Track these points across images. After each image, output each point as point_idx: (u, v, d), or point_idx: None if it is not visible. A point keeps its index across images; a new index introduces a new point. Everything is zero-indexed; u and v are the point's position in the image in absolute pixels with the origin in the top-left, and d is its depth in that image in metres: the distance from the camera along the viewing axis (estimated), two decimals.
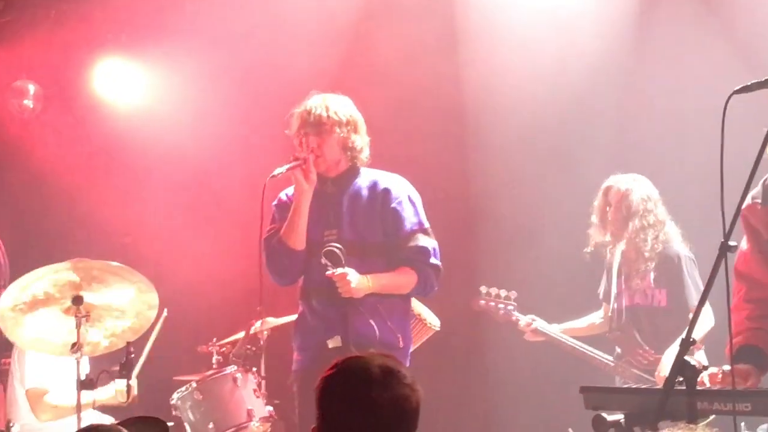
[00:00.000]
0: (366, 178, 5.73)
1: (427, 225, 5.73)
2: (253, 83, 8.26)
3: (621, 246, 6.89)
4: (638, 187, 6.82)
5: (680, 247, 6.80)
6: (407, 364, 5.47)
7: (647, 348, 6.72)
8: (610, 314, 6.97)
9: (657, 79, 7.54)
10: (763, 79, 3.97)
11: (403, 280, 5.61)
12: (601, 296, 7.18)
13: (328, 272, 5.48)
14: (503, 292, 7.05)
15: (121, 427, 3.62)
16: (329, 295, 5.57)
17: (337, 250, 5.51)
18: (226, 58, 8.22)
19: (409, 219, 5.67)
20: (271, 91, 8.17)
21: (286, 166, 5.54)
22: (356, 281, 5.46)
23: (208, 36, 8.11)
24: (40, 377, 6.56)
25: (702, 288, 6.45)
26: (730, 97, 3.82)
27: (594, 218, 6.96)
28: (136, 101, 8.68)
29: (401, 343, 5.63)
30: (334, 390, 3.12)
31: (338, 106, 5.67)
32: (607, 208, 6.86)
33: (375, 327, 5.53)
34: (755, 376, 4.44)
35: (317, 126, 5.60)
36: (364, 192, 5.68)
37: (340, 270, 5.46)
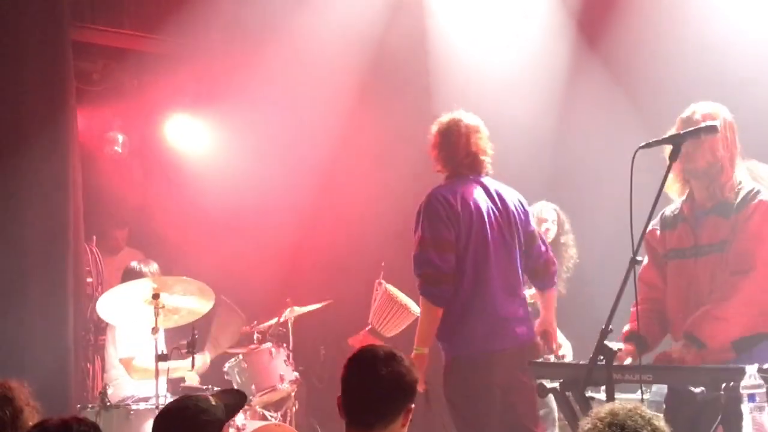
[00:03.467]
0: None
1: (424, 234, 4.87)
2: (281, 133, 8.25)
3: None
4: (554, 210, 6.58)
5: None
6: None
7: None
8: None
9: (580, 131, 7.40)
10: (659, 138, 3.99)
11: None
12: None
13: None
14: None
15: (209, 396, 3.59)
16: None
17: None
18: (263, 116, 8.19)
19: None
20: (293, 138, 8.19)
21: None
22: None
23: (250, 99, 8.09)
24: (128, 349, 6.49)
25: None
26: (636, 152, 3.80)
27: None
28: (197, 148, 8.65)
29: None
30: (352, 367, 3.14)
31: None
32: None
33: None
34: (634, 354, 4.39)
35: None
36: None
37: None
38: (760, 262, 4.20)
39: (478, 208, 4.92)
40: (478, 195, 4.99)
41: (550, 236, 6.47)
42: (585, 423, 2.61)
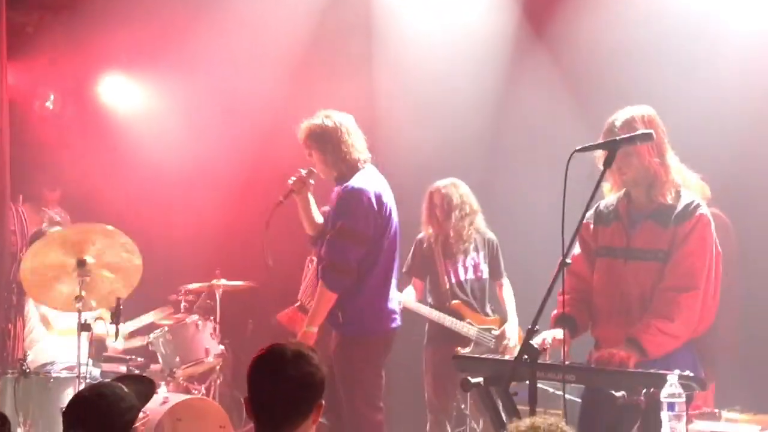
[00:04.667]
0: (351, 181, 5.30)
1: (344, 224, 5.21)
2: (220, 100, 8.15)
3: (440, 237, 6.49)
4: (456, 188, 6.46)
5: (491, 233, 6.56)
6: None
7: (481, 311, 6.48)
8: (447, 287, 6.42)
9: (520, 115, 7.34)
10: (595, 143, 4.01)
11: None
12: (408, 271, 6.61)
13: None
14: None
15: (119, 383, 3.57)
16: None
17: None
18: (203, 76, 8.10)
19: (337, 217, 5.28)
20: (232, 106, 8.09)
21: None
22: None
23: (190, 59, 7.98)
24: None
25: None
26: (572, 155, 3.78)
27: (423, 216, 6.53)
28: (131, 108, 8.51)
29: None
30: (258, 368, 3.09)
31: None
32: (435, 207, 6.46)
33: None
34: (567, 340, 4.33)
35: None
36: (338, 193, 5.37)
37: None
38: (702, 281, 4.26)
39: (388, 204, 5.37)
40: (386, 189, 5.42)
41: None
42: None
